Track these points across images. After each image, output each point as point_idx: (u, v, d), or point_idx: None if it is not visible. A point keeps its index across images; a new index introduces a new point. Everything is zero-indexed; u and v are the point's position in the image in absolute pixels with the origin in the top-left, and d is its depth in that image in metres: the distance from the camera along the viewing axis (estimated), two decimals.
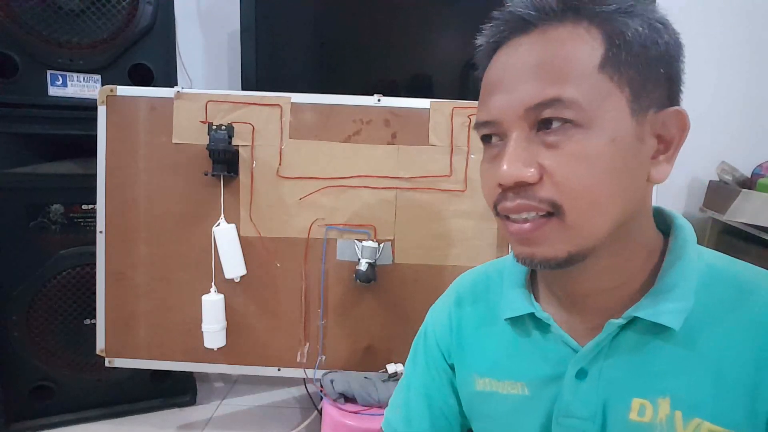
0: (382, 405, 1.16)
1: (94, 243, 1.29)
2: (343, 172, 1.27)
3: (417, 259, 1.28)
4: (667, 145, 0.44)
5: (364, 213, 1.27)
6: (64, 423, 1.49)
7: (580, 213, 0.41)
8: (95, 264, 1.29)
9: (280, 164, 1.27)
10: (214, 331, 1.25)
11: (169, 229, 1.28)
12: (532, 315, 0.51)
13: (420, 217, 1.27)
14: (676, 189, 1.81)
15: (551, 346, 0.50)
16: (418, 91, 1.48)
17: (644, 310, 0.44)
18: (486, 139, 0.46)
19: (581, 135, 0.40)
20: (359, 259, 1.25)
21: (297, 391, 1.75)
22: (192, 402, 1.64)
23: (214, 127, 1.23)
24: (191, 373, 1.63)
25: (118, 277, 1.29)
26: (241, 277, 1.28)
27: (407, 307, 1.29)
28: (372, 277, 1.23)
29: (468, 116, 1.25)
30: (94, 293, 1.30)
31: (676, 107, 0.43)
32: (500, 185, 0.43)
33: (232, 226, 1.26)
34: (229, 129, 1.24)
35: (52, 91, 1.33)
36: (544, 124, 0.41)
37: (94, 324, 1.32)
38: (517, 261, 0.46)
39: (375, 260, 1.24)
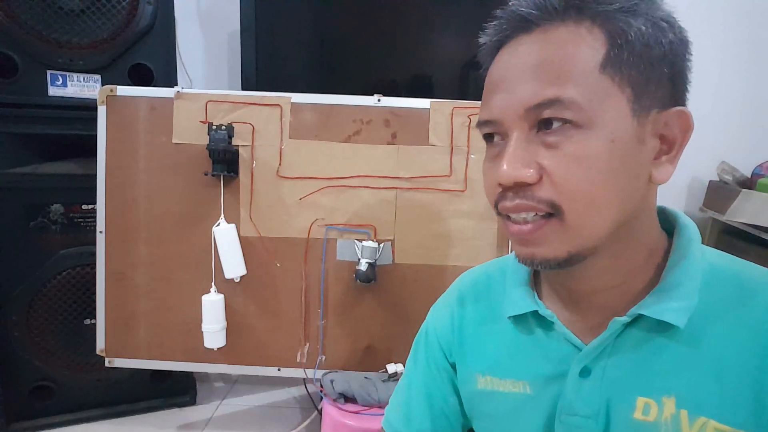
0: (382, 405, 1.16)
1: (94, 243, 1.29)
2: (343, 172, 1.27)
3: (417, 259, 1.28)
4: (670, 145, 0.44)
5: (364, 213, 1.27)
6: (64, 423, 1.49)
7: (579, 213, 0.41)
8: (95, 264, 1.29)
9: (280, 164, 1.27)
10: (214, 331, 1.25)
11: (169, 229, 1.28)
12: (535, 313, 0.51)
13: (420, 217, 1.27)
14: (676, 189, 1.81)
15: (554, 344, 0.50)
16: (418, 91, 1.48)
17: (649, 308, 0.44)
18: (488, 137, 0.47)
19: (581, 135, 0.40)
20: (359, 259, 1.25)
21: (297, 391, 1.75)
22: (192, 402, 1.64)
23: (214, 127, 1.23)
24: (191, 373, 1.63)
25: (118, 277, 1.29)
26: (241, 277, 1.28)
27: (407, 307, 1.29)
28: (372, 277, 1.23)
29: (468, 116, 1.25)
30: (94, 293, 1.30)
31: (680, 107, 0.43)
32: (500, 185, 0.43)
33: (232, 226, 1.26)
34: (229, 129, 1.24)
35: (52, 91, 1.33)
36: (544, 124, 0.41)
37: (94, 324, 1.32)
38: (518, 260, 0.46)
39: (375, 260, 1.24)
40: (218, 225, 1.26)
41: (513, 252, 0.56)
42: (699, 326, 0.43)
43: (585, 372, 0.47)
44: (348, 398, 1.20)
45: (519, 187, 0.42)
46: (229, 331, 1.28)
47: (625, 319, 0.44)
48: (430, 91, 1.55)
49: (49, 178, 1.39)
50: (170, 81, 1.41)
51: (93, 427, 1.51)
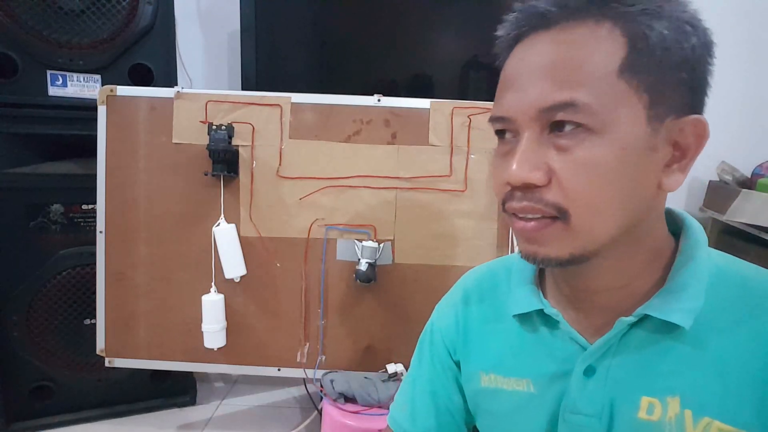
0: (382, 405, 1.16)
1: (94, 243, 1.29)
2: (343, 172, 1.27)
3: (417, 259, 1.28)
4: (683, 153, 0.43)
5: (364, 213, 1.27)
6: (64, 423, 1.49)
7: (585, 218, 0.41)
8: (95, 264, 1.29)
9: (280, 164, 1.27)
10: (214, 331, 1.25)
11: (169, 229, 1.28)
12: (540, 312, 0.51)
13: (420, 217, 1.27)
14: None
15: (559, 343, 0.50)
16: (418, 91, 1.48)
17: (655, 309, 0.44)
18: (499, 133, 0.46)
19: (592, 141, 0.40)
20: (359, 259, 1.24)
21: (297, 391, 1.75)
22: (192, 402, 1.64)
23: (214, 127, 1.23)
24: (191, 373, 1.63)
25: (118, 277, 1.29)
26: (241, 277, 1.28)
27: (407, 307, 1.29)
28: (372, 277, 1.23)
29: (468, 116, 1.25)
30: (94, 293, 1.30)
31: (696, 116, 0.42)
32: (509, 183, 0.43)
33: (232, 226, 1.26)
34: (229, 129, 1.24)
35: (52, 91, 1.33)
36: (556, 126, 0.41)
37: (94, 324, 1.32)
38: (521, 257, 0.46)
39: (375, 260, 1.24)
40: (218, 225, 1.26)
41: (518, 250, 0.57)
42: (704, 327, 0.43)
43: (589, 371, 0.47)
44: (348, 398, 1.20)
45: (527, 189, 0.42)
46: (229, 331, 1.28)
47: (631, 319, 0.44)
48: (430, 91, 1.55)
49: (49, 178, 1.39)
50: (170, 81, 1.40)
51: (93, 427, 1.51)
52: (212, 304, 1.25)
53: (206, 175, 1.24)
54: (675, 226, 0.49)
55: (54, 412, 1.48)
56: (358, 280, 1.24)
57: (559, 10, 0.41)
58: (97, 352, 1.31)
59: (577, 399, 0.47)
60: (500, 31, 0.46)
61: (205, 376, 1.80)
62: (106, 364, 1.32)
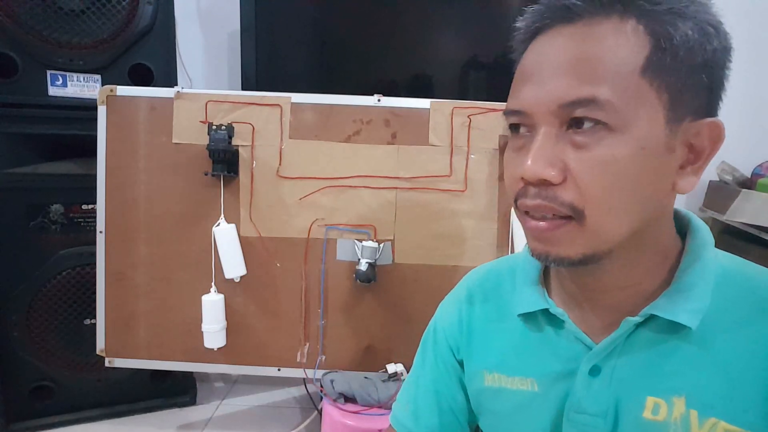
0: (382, 405, 1.16)
1: (94, 243, 1.29)
2: (343, 172, 1.27)
3: (417, 259, 1.28)
4: (698, 155, 0.43)
5: (364, 213, 1.27)
6: (64, 423, 1.48)
7: (599, 218, 0.40)
8: (95, 264, 1.29)
9: (280, 164, 1.27)
10: (214, 331, 1.25)
11: (169, 229, 1.28)
12: (545, 311, 0.51)
13: (420, 217, 1.27)
14: None
15: (563, 342, 0.50)
16: (418, 91, 1.48)
17: (661, 309, 0.44)
18: (513, 128, 0.45)
19: (611, 139, 0.39)
20: (359, 259, 1.24)
21: (297, 391, 1.75)
22: (192, 402, 1.64)
23: (214, 127, 1.23)
24: (191, 373, 1.63)
25: (118, 277, 1.29)
26: (241, 277, 1.28)
27: (407, 307, 1.29)
28: (372, 277, 1.23)
29: (468, 116, 1.25)
30: (94, 293, 1.30)
31: (713, 119, 0.42)
32: (523, 179, 0.42)
33: (232, 226, 1.26)
34: (229, 129, 1.24)
35: (52, 91, 1.33)
36: (575, 123, 0.40)
37: (94, 324, 1.32)
38: (532, 256, 0.45)
39: (375, 260, 1.24)
40: (218, 225, 1.26)
41: (523, 249, 0.57)
42: (710, 328, 0.43)
43: (595, 371, 0.47)
44: (348, 398, 1.20)
45: (541, 185, 0.41)
46: (229, 331, 1.28)
47: (637, 319, 0.44)
48: (430, 91, 1.55)
49: (49, 178, 1.39)
50: (170, 81, 1.40)
51: (93, 427, 1.51)
52: (212, 304, 1.25)
53: (206, 175, 1.24)
54: (681, 226, 0.49)
55: (54, 412, 1.48)
56: (358, 280, 1.24)
57: (584, 5, 0.40)
58: (97, 352, 1.31)
59: (582, 398, 0.47)
60: (519, 23, 0.45)
61: (205, 376, 1.80)
62: (106, 364, 1.32)
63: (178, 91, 1.25)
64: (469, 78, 1.55)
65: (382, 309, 1.30)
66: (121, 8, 1.33)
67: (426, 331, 0.65)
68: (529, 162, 0.40)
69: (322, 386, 1.23)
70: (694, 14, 0.39)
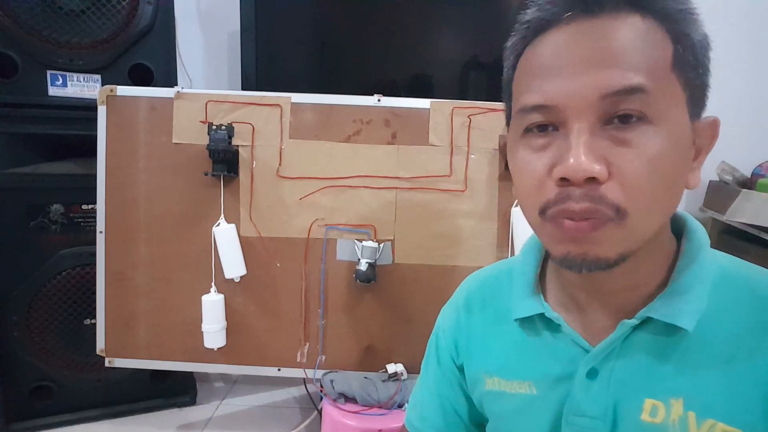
0: (382, 405, 1.16)
1: (94, 243, 1.29)
2: (343, 172, 1.27)
3: (417, 259, 1.28)
4: (698, 152, 0.44)
5: (364, 213, 1.27)
6: (64, 423, 1.48)
7: (640, 216, 0.39)
8: (95, 264, 1.29)
9: (280, 164, 1.27)
10: (214, 331, 1.25)
11: (169, 229, 1.28)
12: (542, 315, 0.51)
13: (420, 217, 1.27)
14: None
15: (561, 345, 0.50)
16: (418, 91, 1.48)
17: (658, 311, 0.43)
18: (531, 128, 0.42)
19: (653, 133, 0.38)
20: (359, 259, 1.24)
21: (297, 391, 1.75)
22: (192, 402, 1.64)
23: (214, 127, 1.23)
24: (191, 373, 1.63)
25: (118, 277, 1.29)
26: (241, 277, 1.28)
27: (407, 307, 1.29)
28: (372, 277, 1.23)
29: (468, 116, 1.25)
30: (94, 293, 1.30)
31: (714, 117, 0.44)
32: (563, 180, 0.39)
33: (232, 226, 1.26)
34: (229, 129, 1.24)
35: (52, 91, 1.33)
36: (616, 117, 0.38)
37: (94, 324, 1.32)
38: (561, 262, 0.42)
39: (375, 260, 1.24)
40: (218, 225, 1.26)
41: (520, 253, 0.57)
42: (708, 329, 0.43)
43: (592, 373, 0.47)
44: (348, 398, 1.20)
45: (587, 185, 0.38)
46: (229, 331, 1.28)
47: (633, 321, 0.44)
48: (430, 91, 1.55)
49: (49, 178, 1.39)
50: (170, 81, 1.40)
51: (93, 427, 1.51)
52: (212, 304, 1.25)
53: (206, 175, 1.24)
54: (676, 227, 0.49)
55: (54, 412, 1.48)
56: (358, 280, 1.24)
57: None
58: (97, 352, 1.31)
59: (580, 401, 0.47)
60: (530, 15, 0.43)
61: (205, 376, 1.80)
62: (106, 364, 1.32)
63: (178, 91, 1.25)
64: (469, 78, 1.55)
65: (382, 309, 1.30)
66: (121, 8, 1.33)
67: (431, 334, 0.67)
68: (572, 160, 0.38)
69: (322, 386, 1.23)
70: (698, 18, 0.41)
